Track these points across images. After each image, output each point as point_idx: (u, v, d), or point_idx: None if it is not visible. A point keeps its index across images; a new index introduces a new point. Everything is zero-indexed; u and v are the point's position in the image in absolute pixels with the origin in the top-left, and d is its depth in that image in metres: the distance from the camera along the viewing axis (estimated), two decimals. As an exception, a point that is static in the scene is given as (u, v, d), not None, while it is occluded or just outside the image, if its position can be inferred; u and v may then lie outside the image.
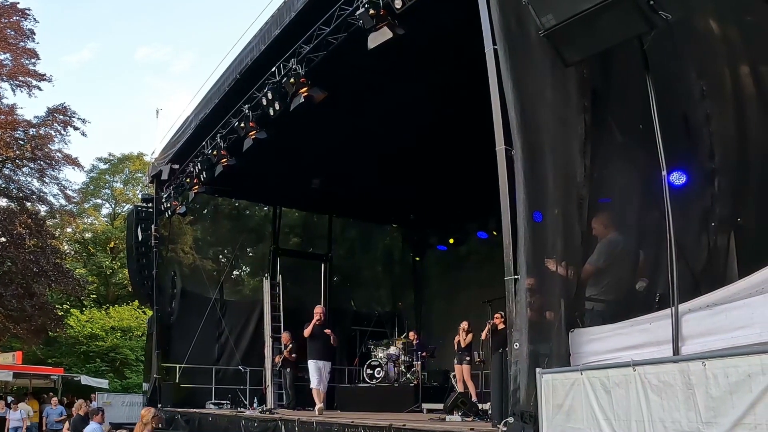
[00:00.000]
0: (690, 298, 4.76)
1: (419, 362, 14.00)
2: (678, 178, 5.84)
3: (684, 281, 5.14)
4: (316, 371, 12.10)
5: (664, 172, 5.00)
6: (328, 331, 12.44)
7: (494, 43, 6.28)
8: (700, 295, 4.79)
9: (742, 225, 6.34)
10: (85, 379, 24.68)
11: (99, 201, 40.29)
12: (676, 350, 4.47)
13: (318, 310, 12.70)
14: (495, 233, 15.24)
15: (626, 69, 5.94)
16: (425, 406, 12.50)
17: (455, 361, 12.33)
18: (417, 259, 20.04)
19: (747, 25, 7.14)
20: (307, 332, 12.36)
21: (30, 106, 67.18)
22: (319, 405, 11.85)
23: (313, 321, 12.37)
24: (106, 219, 39.87)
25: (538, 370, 5.32)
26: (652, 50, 5.25)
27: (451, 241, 18.39)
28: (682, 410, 3.96)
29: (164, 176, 15.76)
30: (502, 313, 10.47)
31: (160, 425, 8.95)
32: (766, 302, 3.90)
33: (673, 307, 4.58)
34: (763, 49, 7.12)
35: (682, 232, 5.33)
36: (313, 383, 12.08)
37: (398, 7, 8.67)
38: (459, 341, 12.11)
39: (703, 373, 3.83)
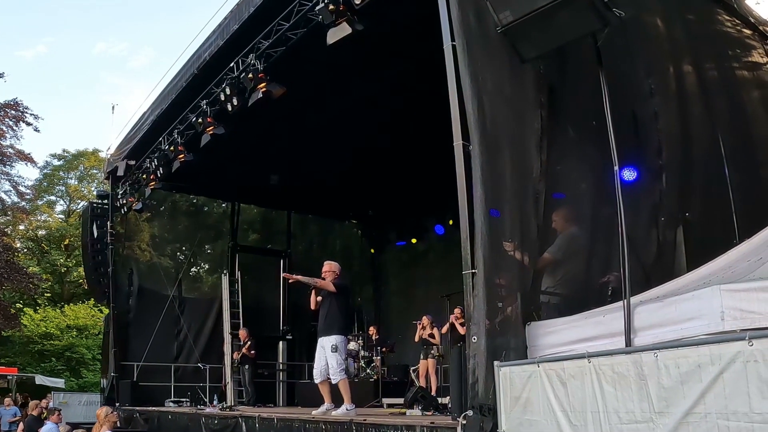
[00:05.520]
0: (641, 291, 4.87)
1: (379, 357, 14.04)
2: (629, 174, 5.97)
3: (635, 274, 5.26)
4: (317, 356, 8.96)
5: (616, 168, 5.10)
6: (286, 275, 9.05)
7: (453, 39, 6.30)
8: (651, 288, 4.91)
9: (690, 219, 6.52)
10: (40, 379, 24.25)
11: (53, 198, 39.37)
12: (628, 342, 4.56)
13: (325, 267, 9.26)
14: (452, 227, 15.33)
15: (580, 66, 6.05)
16: (386, 401, 12.52)
17: (421, 356, 12.39)
18: (372, 251, 20.14)
19: (690, 24, 7.35)
20: (312, 302, 9.15)
21: (-20, 101, 65.31)
22: (326, 404, 8.92)
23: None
24: (60, 216, 39.05)
25: (495, 363, 5.37)
26: (605, 48, 5.36)
27: (414, 240, 18.49)
28: (635, 400, 4.04)
29: (120, 172, 15.53)
30: (462, 308, 10.58)
31: (118, 423, 8.85)
32: (714, 294, 3.99)
33: (625, 300, 4.68)
34: (704, 47, 7.33)
35: (632, 227, 5.45)
36: (314, 375, 9.13)
37: (357, 2, 8.67)
38: (427, 335, 12.19)
39: (655, 364, 3.91)
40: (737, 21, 8.27)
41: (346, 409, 8.65)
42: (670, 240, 6.42)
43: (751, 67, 8.39)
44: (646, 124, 6.70)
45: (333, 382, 8.88)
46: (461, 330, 10.52)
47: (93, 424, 8.57)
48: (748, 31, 8.44)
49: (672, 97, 6.98)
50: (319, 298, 9.12)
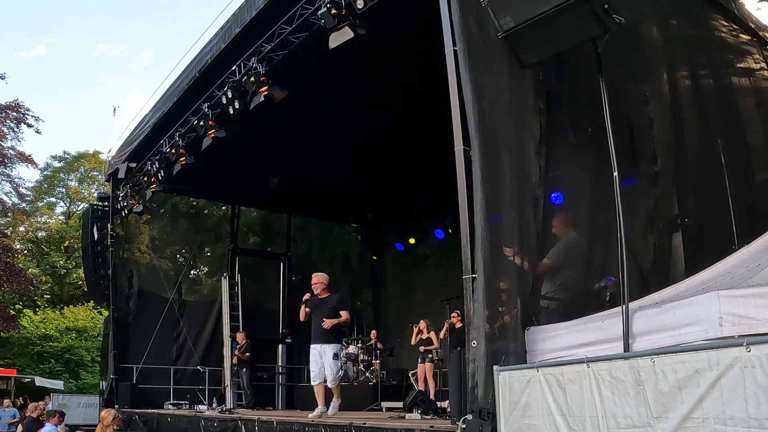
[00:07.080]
0: (639, 296, 4.89)
1: (378, 361, 14.05)
2: (626, 180, 5.99)
3: (633, 279, 5.28)
4: (314, 360, 9.17)
5: (616, 173, 5.12)
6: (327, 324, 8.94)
7: (454, 44, 6.35)
8: (649, 293, 4.92)
9: (687, 225, 6.54)
10: (39, 381, 24.23)
11: (53, 199, 39.44)
12: (626, 347, 4.58)
13: (314, 279, 9.37)
14: (452, 232, 15.35)
15: (578, 73, 6.08)
16: (385, 404, 12.55)
17: (419, 360, 12.39)
18: (373, 255, 20.18)
19: (686, 30, 7.38)
20: (301, 314, 9.36)
21: (-19, 102, 65.10)
22: (320, 407, 9.12)
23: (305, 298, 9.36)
24: (60, 218, 39.12)
25: (495, 367, 5.38)
26: (601, 54, 5.38)
27: (412, 241, 18.47)
28: (633, 406, 4.06)
29: (121, 174, 15.54)
30: (459, 312, 10.60)
31: (119, 427, 8.83)
32: (712, 300, 4.01)
33: (624, 305, 4.69)
34: (699, 54, 7.36)
35: (629, 232, 5.46)
36: (311, 378, 9.36)
37: (360, 7, 8.70)
38: (424, 339, 12.19)
39: (652, 369, 3.92)
40: (735, 26, 8.29)
41: (336, 404, 9.15)
42: (667, 245, 6.45)
43: (747, 72, 8.41)
44: (641, 130, 6.73)
45: (331, 386, 9.14)
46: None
47: (92, 425, 8.56)
48: (745, 37, 8.46)
49: (667, 104, 7.01)
50: (308, 310, 9.30)
